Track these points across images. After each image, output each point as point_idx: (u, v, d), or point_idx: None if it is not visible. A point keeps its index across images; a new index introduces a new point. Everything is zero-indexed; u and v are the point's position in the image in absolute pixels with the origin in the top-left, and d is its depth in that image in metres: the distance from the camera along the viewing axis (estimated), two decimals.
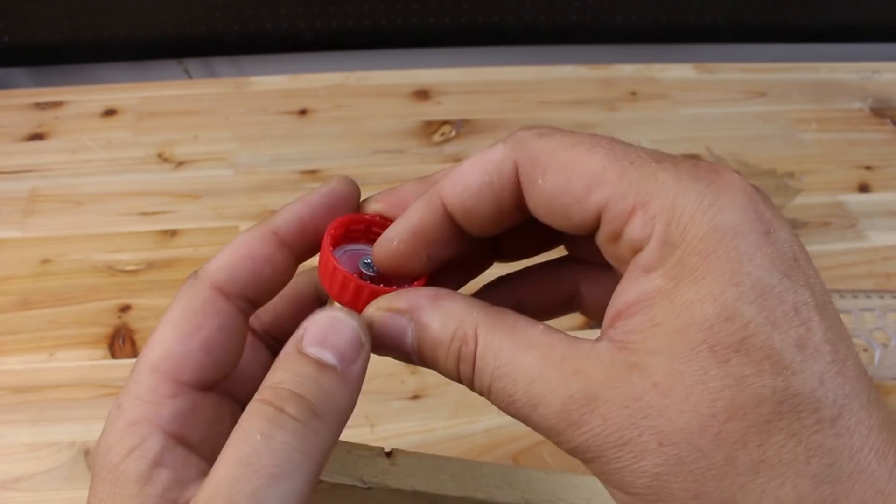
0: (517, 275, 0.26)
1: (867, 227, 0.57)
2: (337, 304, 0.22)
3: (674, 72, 0.71)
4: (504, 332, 0.20)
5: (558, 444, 0.19)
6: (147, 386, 0.21)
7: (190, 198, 0.57)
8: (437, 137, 0.63)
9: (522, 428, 0.47)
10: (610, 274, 0.23)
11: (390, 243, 0.22)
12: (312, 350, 0.19)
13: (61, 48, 0.69)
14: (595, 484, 0.29)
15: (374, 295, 0.22)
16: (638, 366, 0.18)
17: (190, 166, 0.59)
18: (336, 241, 0.23)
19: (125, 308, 0.49)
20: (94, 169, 0.59)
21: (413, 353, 0.21)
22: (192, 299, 0.22)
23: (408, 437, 0.43)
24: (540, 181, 0.20)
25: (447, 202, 0.21)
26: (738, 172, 0.19)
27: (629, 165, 0.19)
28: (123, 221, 0.55)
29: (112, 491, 0.20)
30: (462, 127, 0.63)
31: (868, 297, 0.52)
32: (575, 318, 0.49)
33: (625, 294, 0.19)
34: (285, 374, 0.19)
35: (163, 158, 0.60)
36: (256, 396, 0.19)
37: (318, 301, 0.26)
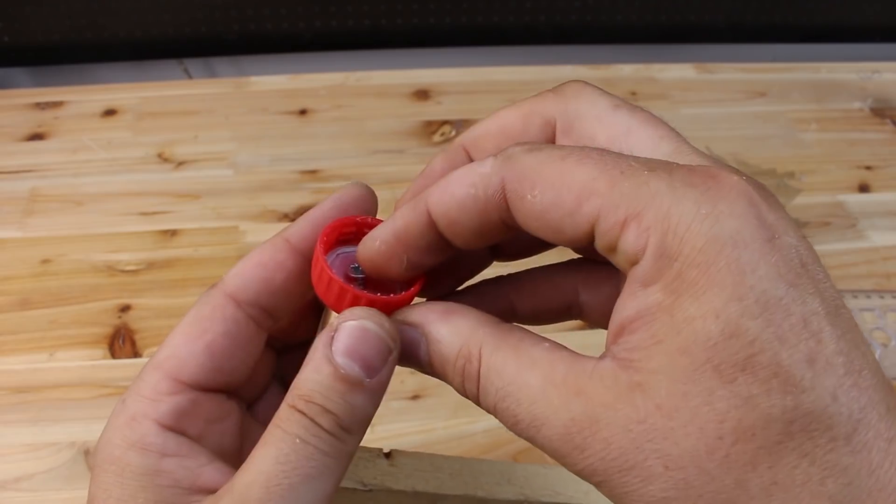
0: (514, 277, 0.25)
1: (867, 227, 0.57)
2: (363, 308, 0.22)
3: (674, 72, 0.71)
4: (508, 351, 0.20)
5: (565, 466, 0.19)
6: (149, 383, 0.22)
7: (190, 198, 0.57)
8: (437, 137, 0.63)
9: None
10: (614, 280, 0.23)
11: (373, 243, 0.22)
12: (341, 361, 0.20)
13: (61, 48, 0.69)
14: None
15: (357, 299, 0.22)
16: (641, 386, 0.17)
17: (190, 166, 0.59)
18: (329, 244, 0.23)
19: (125, 308, 0.49)
20: (94, 169, 0.59)
21: (426, 367, 0.22)
22: (204, 305, 0.23)
23: (408, 437, 0.43)
24: (529, 196, 0.19)
25: (432, 211, 0.21)
26: (738, 173, 0.19)
27: (620, 175, 0.18)
28: (123, 221, 0.55)
29: (119, 482, 0.21)
30: (462, 127, 0.63)
31: (868, 297, 0.52)
32: None
33: (625, 308, 0.19)
34: (315, 386, 0.20)
35: (163, 158, 0.60)
36: (290, 401, 0.20)
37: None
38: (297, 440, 0.19)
